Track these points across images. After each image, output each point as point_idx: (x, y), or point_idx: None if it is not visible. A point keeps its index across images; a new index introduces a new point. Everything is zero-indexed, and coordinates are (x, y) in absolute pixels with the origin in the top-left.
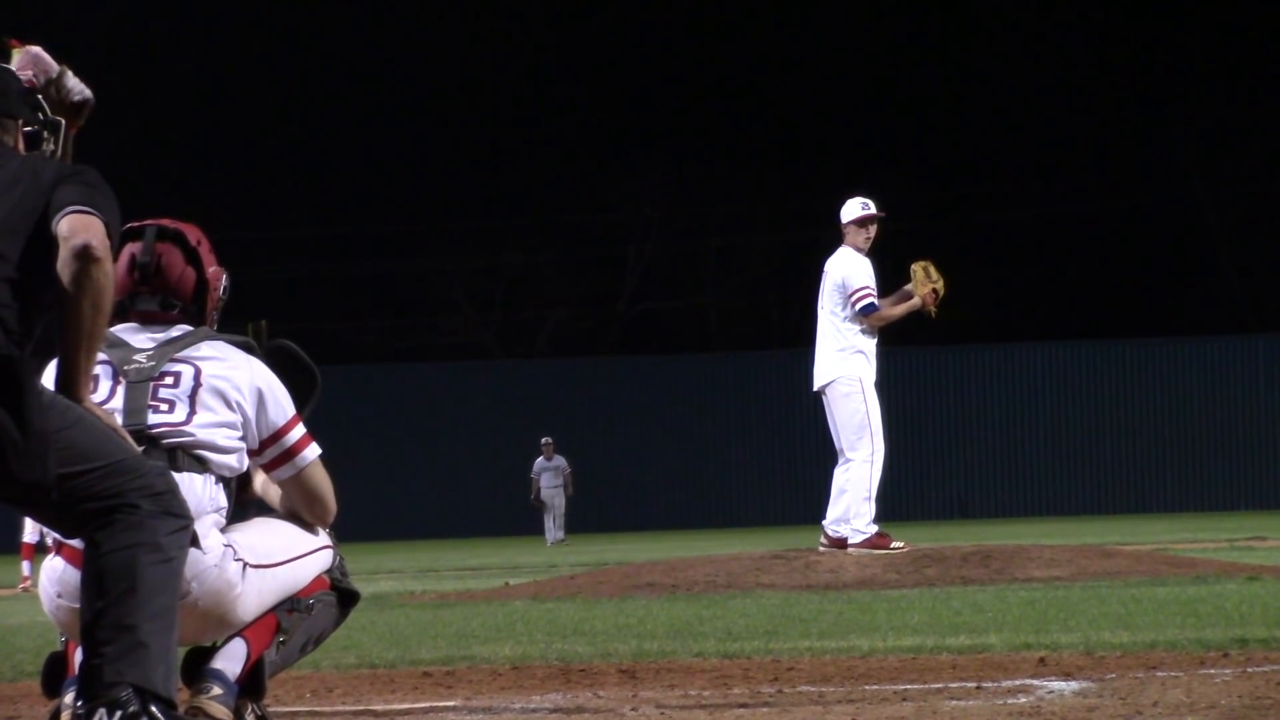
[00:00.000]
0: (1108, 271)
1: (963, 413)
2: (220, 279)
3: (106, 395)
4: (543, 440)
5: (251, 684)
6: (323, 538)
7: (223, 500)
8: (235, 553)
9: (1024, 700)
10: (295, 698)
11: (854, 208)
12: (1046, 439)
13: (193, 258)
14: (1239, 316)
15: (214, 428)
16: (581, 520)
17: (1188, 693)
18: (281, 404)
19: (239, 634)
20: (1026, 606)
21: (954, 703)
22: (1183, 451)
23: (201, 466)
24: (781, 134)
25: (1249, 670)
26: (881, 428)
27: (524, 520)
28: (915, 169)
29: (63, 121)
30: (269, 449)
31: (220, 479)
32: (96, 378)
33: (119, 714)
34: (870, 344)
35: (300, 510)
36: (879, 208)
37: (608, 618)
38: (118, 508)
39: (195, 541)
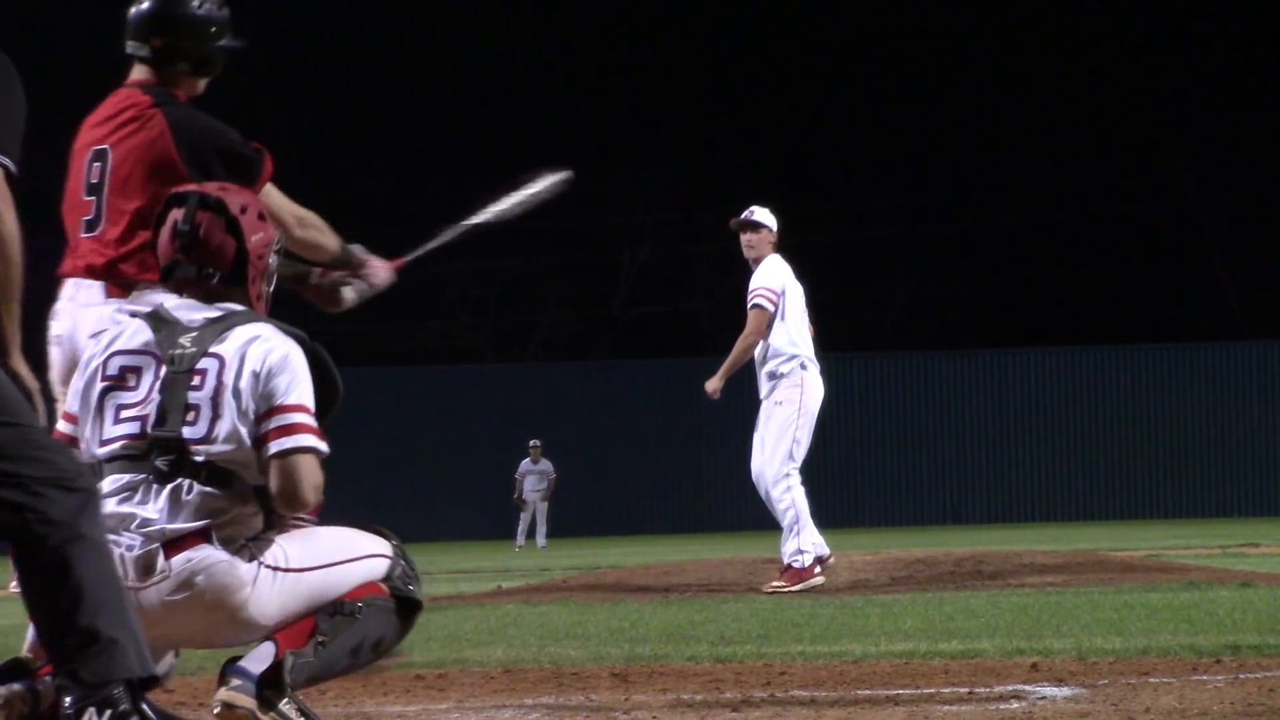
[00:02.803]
0: (1101, 278)
1: (955, 419)
2: (265, 247)
3: (145, 394)
4: (531, 443)
5: (275, 680)
6: (376, 544)
7: (246, 507)
8: (254, 552)
9: (1016, 706)
10: (286, 700)
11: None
12: (1039, 445)
13: (233, 226)
14: (1233, 324)
15: (233, 439)
16: (574, 524)
17: (1180, 699)
18: (296, 385)
19: (268, 636)
20: (1019, 612)
21: (946, 708)
22: (1176, 458)
23: (229, 478)
24: (776, 140)
25: (1241, 677)
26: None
27: (517, 524)
28: (907, 175)
29: None
30: (265, 421)
31: (252, 487)
32: (139, 370)
33: (109, 713)
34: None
35: (276, 496)
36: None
37: (600, 621)
38: (25, 505)
39: (209, 538)
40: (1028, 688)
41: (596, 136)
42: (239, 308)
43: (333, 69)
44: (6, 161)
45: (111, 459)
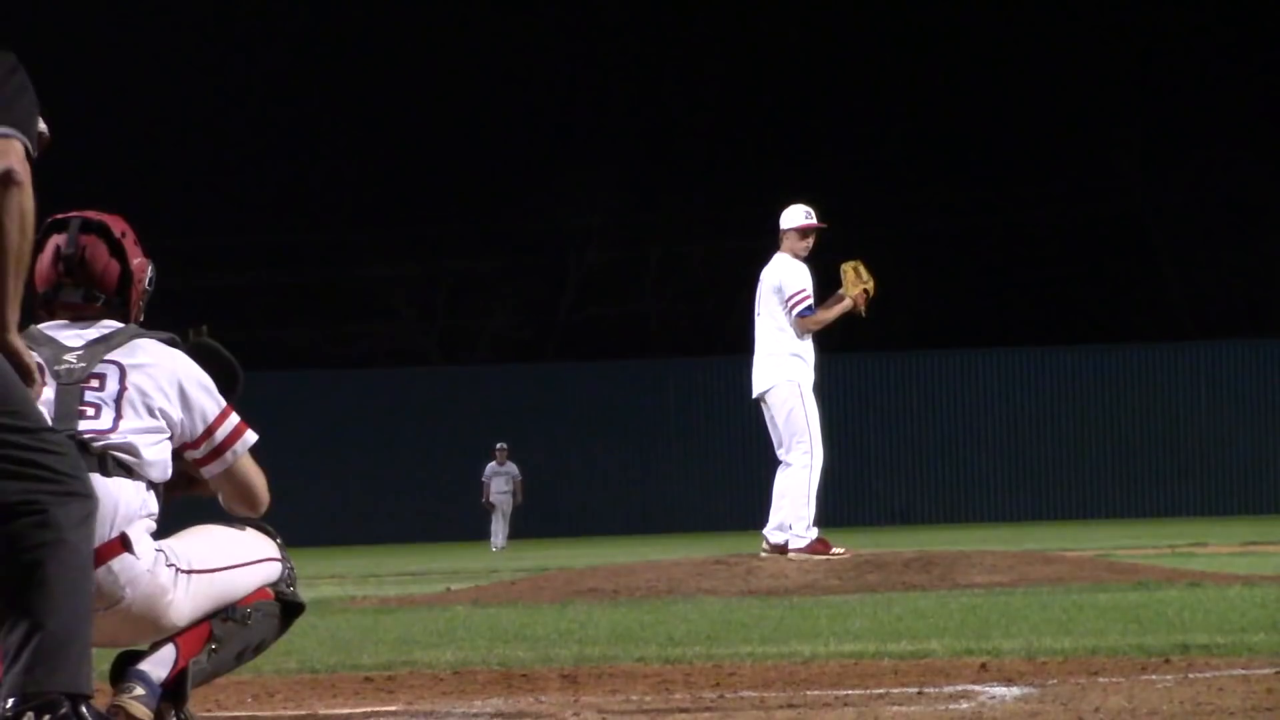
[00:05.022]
0: (1049, 279)
1: (904, 419)
2: (145, 270)
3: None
4: (496, 446)
5: (175, 690)
6: (269, 548)
7: (154, 505)
8: (168, 558)
9: (965, 706)
10: (237, 703)
11: (796, 215)
12: (988, 445)
13: (117, 249)
14: (1179, 325)
15: (140, 433)
16: (524, 526)
17: (1129, 699)
18: (211, 397)
19: (170, 639)
20: (968, 612)
21: (896, 708)
22: (1124, 458)
23: (129, 473)
24: (724, 142)
25: (1190, 676)
26: (820, 433)
27: (466, 526)
28: (856, 177)
29: None
30: (203, 444)
31: (150, 484)
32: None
33: (48, 716)
34: (807, 348)
35: (233, 503)
36: (820, 218)
37: (549, 623)
38: (23, 504)
39: (129, 546)
40: (977, 688)
41: (543, 139)
42: (118, 324)
43: (270, 71)
44: (27, 141)
45: None
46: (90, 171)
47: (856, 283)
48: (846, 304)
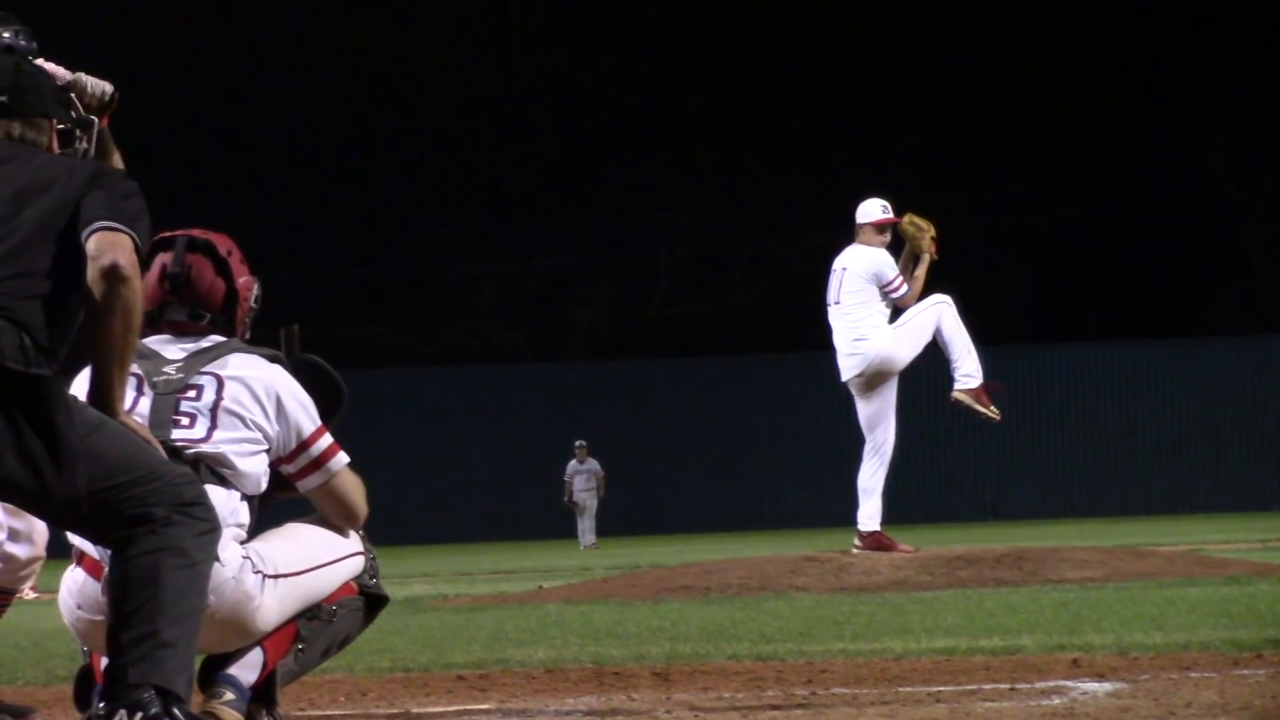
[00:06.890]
0: (1138, 272)
1: None
2: (251, 289)
3: (130, 405)
4: (576, 443)
5: (265, 692)
6: (353, 543)
7: (244, 516)
8: (254, 565)
9: (1057, 701)
10: (329, 701)
11: (874, 209)
12: (1079, 440)
13: (222, 268)
14: (1270, 316)
15: (234, 443)
16: (613, 523)
17: (1221, 693)
18: (306, 414)
19: (257, 642)
20: (1060, 608)
21: (988, 704)
22: (1215, 452)
23: (222, 481)
24: (811, 137)
25: None
26: (895, 424)
27: (557, 523)
28: (942, 171)
29: (95, 120)
30: (297, 458)
31: (243, 495)
32: None
33: (139, 715)
34: (887, 334)
35: (330, 517)
36: (898, 212)
37: (641, 620)
38: (143, 517)
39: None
40: (1069, 683)
41: (632, 134)
42: (221, 338)
43: (360, 69)
44: (136, 238)
45: None
46: (180, 170)
47: (920, 234)
48: (925, 259)
